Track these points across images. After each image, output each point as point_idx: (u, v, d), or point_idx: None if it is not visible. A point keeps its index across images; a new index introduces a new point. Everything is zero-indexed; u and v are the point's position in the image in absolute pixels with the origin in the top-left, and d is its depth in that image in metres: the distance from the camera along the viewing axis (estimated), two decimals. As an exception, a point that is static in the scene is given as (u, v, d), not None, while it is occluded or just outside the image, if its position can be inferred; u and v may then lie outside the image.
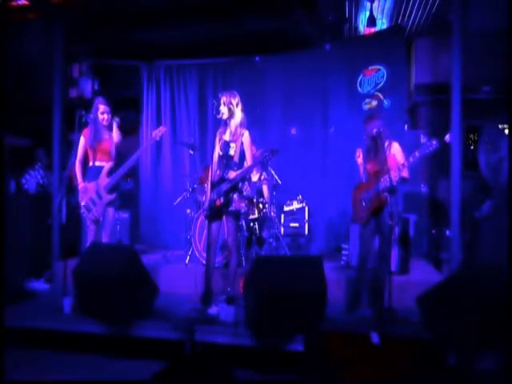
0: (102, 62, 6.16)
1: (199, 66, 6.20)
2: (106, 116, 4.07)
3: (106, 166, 4.04)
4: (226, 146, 3.74)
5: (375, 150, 3.73)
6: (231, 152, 3.72)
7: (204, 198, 3.83)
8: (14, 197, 5.05)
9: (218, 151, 3.79)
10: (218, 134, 3.85)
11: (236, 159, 3.72)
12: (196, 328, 3.23)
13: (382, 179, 3.63)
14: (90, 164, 4.05)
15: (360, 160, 3.89)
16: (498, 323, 2.75)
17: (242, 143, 3.71)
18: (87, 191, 4.01)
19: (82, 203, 4.02)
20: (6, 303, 3.43)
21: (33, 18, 4.97)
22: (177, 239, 5.57)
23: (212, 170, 3.79)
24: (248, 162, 3.75)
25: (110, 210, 4.08)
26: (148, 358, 3.21)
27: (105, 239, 4.08)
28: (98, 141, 4.02)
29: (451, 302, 3.00)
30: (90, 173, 4.06)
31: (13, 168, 5.10)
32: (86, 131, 4.05)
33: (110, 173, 4.03)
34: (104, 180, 4.00)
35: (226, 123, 3.75)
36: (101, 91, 6.07)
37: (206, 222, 3.81)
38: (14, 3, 4.68)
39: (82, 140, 4.06)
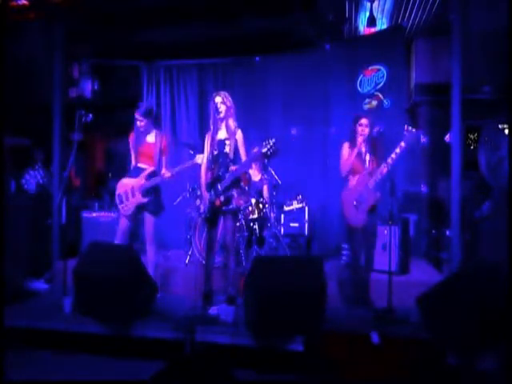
0: (101, 62, 6.16)
1: (199, 66, 6.20)
2: (141, 123, 4.14)
3: (148, 169, 4.13)
4: (221, 144, 3.77)
5: (371, 149, 3.81)
6: (227, 149, 3.77)
7: (199, 202, 3.85)
8: (13, 197, 5.04)
9: (208, 152, 3.85)
10: (207, 135, 3.90)
11: (231, 156, 3.78)
12: (196, 328, 3.23)
13: (374, 177, 3.71)
14: (133, 164, 4.20)
15: (346, 155, 3.92)
16: (497, 323, 2.75)
17: (235, 141, 3.78)
18: (124, 185, 4.12)
19: (117, 193, 4.12)
20: (6, 303, 3.42)
21: (33, 18, 4.96)
22: (177, 239, 5.56)
23: (203, 172, 3.86)
24: (244, 158, 3.81)
25: (149, 218, 4.10)
26: (148, 357, 3.21)
27: (149, 250, 4.10)
28: (139, 144, 4.15)
29: (451, 302, 3.00)
30: (131, 171, 4.19)
31: (13, 168, 5.09)
32: (132, 135, 4.21)
33: (150, 176, 4.11)
34: (141, 181, 4.09)
35: (221, 122, 3.78)
36: (101, 91, 6.07)
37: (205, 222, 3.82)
38: (14, 3, 4.68)
39: (130, 143, 4.25)
